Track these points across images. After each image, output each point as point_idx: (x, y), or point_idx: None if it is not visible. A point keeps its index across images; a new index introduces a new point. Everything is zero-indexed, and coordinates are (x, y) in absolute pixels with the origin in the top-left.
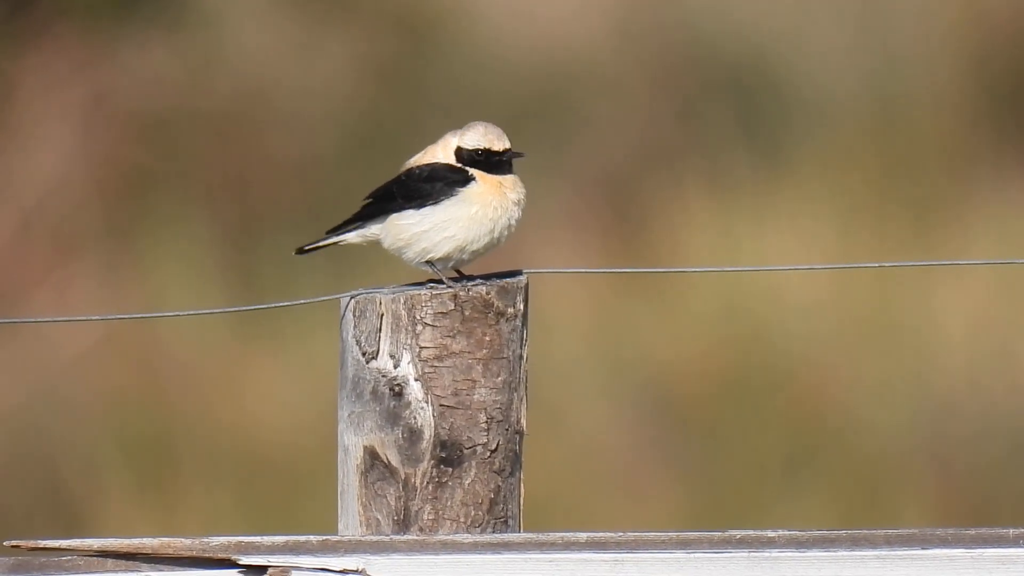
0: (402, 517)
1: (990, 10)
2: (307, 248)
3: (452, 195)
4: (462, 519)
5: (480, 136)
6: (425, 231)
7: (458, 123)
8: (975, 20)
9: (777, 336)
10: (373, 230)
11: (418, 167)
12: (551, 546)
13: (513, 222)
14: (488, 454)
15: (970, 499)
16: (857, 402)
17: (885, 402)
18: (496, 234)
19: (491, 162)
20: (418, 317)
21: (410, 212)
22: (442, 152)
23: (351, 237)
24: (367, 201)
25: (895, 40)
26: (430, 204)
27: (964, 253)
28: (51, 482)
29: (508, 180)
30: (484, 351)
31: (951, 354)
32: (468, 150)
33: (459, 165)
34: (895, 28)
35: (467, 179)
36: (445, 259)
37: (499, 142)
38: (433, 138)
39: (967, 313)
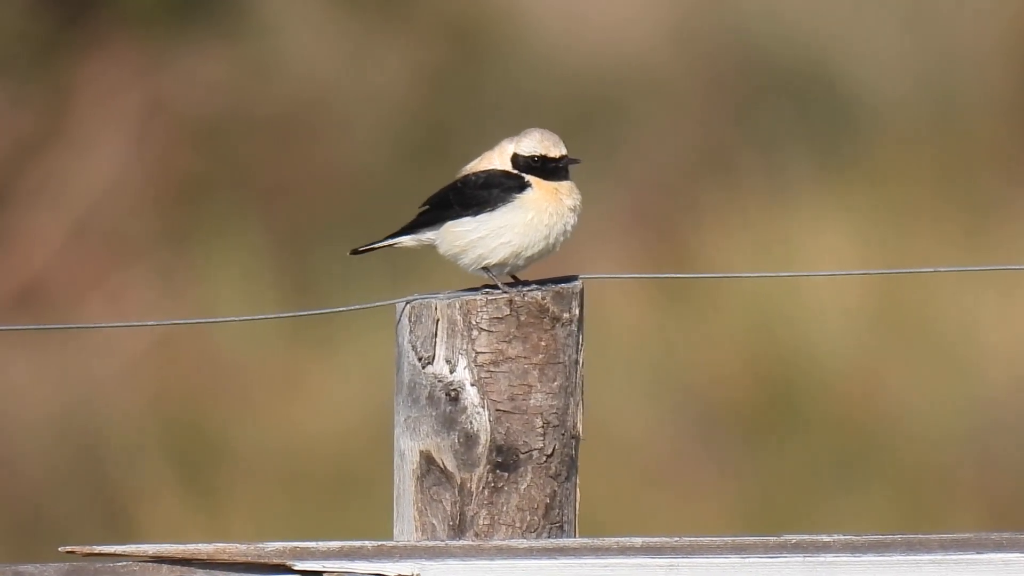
0: (457, 522)
1: None
2: (362, 249)
3: (508, 201)
4: (518, 524)
5: (536, 143)
6: (481, 237)
7: (513, 129)
8: None
9: (826, 342)
10: (429, 235)
11: (474, 174)
12: (606, 551)
13: (569, 228)
14: (544, 459)
15: (1019, 504)
16: (907, 407)
17: (933, 407)
18: (552, 240)
19: (547, 168)
20: (474, 322)
21: (467, 219)
22: (498, 159)
23: (406, 240)
24: (424, 208)
25: (949, 42)
26: (487, 211)
27: (1015, 258)
28: (103, 487)
29: (564, 186)
30: (540, 356)
31: (999, 358)
32: (524, 157)
33: (515, 172)
34: (949, 30)
35: (523, 185)
36: (501, 265)
37: (555, 148)
38: (488, 144)
39: (1014, 319)
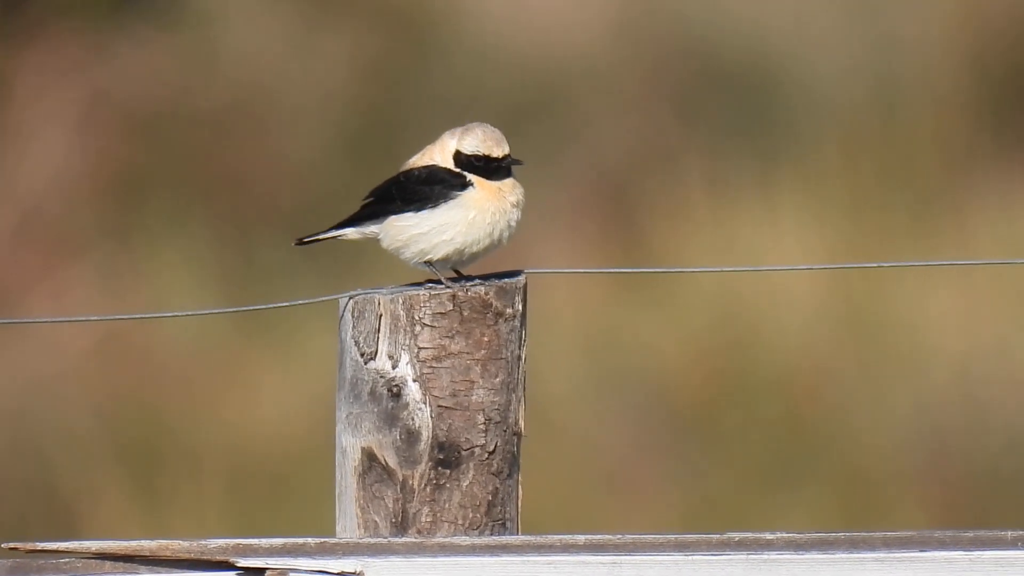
0: (400, 519)
1: (989, 5)
2: (306, 240)
3: (449, 199)
4: (460, 521)
5: (479, 142)
6: (423, 233)
7: (456, 122)
8: (974, 16)
9: (774, 337)
10: (372, 229)
11: (416, 169)
12: (549, 548)
13: (513, 223)
14: (486, 456)
15: (967, 502)
16: (855, 404)
17: (882, 404)
18: (496, 236)
19: (490, 168)
20: (416, 318)
21: (408, 215)
22: (439, 154)
23: (350, 233)
24: (367, 200)
25: (894, 36)
26: (428, 207)
27: (963, 253)
28: (47, 484)
29: (507, 184)
30: (483, 352)
31: (948, 356)
32: (467, 155)
33: (457, 170)
34: (894, 24)
35: (464, 184)
36: (444, 261)
37: (498, 148)
38: (431, 137)
39: (964, 314)
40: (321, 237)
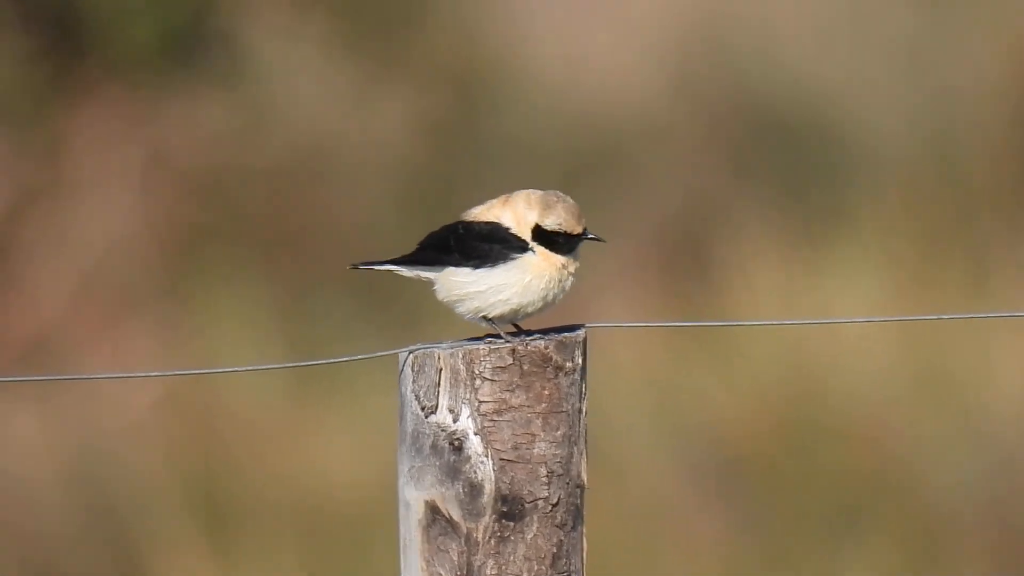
0: (465, 572)
1: None
2: (361, 265)
3: (508, 260)
4: (525, 574)
5: (562, 220)
6: (480, 291)
7: (513, 178)
8: None
9: (835, 390)
10: (428, 275)
11: (478, 223)
12: None
13: (567, 287)
14: (550, 508)
15: None
16: (916, 455)
17: (943, 455)
18: (549, 299)
19: (570, 244)
20: (477, 371)
21: (466, 270)
22: (508, 213)
23: (404, 271)
24: (424, 244)
25: (949, 88)
26: (487, 266)
27: (1021, 304)
28: (116, 541)
29: (569, 260)
30: (543, 405)
31: (1009, 407)
32: (548, 231)
33: (517, 234)
34: (949, 77)
35: (524, 248)
36: (499, 318)
37: (578, 224)
38: (488, 193)
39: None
40: (376, 267)
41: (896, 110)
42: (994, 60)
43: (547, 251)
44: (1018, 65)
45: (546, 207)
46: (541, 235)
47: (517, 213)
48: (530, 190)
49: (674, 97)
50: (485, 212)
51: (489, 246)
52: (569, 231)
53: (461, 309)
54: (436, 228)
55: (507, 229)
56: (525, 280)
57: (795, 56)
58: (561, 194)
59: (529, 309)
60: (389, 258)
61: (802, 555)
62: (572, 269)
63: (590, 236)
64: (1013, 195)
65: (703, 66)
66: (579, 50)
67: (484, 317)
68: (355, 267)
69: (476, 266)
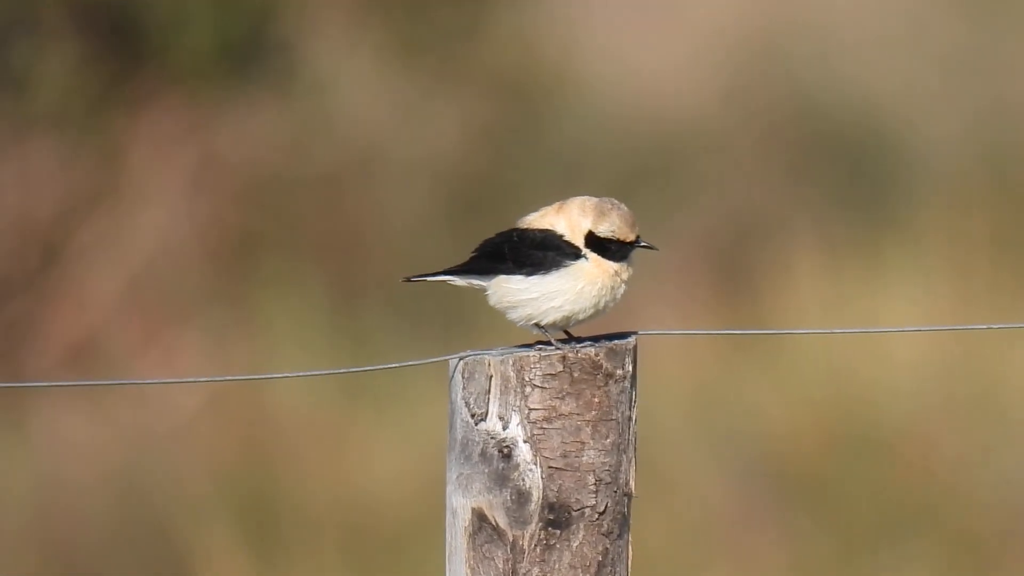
0: None
1: None
2: (414, 278)
3: (561, 267)
4: None
5: (616, 227)
6: (532, 299)
7: (566, 187)
8: None
9: (884, 399)
10: (480, 283)
11: (531, 231)
12: None
13: (619, 296)
14: (596, 516)
15: None
16: (964, 465)
17: (992, 465)
18: (601, 306)
19: (623, 251)
20: (527, 379)
21: (519, 277)
22: (562, 220)
23: (457, 280)
24: (477, 253)
25: (1004, 99)
26: (540, 273)
27: None
28: (161, 543)
29: (622, 267)
30: (593, 413)
31: None
32: (601, 238)
33: (570, 241)
34: (1004, 88)
35: (577, 255)
36: (551, 326)
37: (632, 232)
38: (542, 201)
39: None
40: (429, 278)
41: (951, 120)
42: None
43: (600, 258)
44: None
45: (600, 214)
46: (594, 242)
47: (571, 220)
48: (585, 197)
49: (729, 105)
50: (539, 219)
51: (543, 253)
52: (622, 238)
53: (513, 316)
54: (490, 235)
55: (560, 236)
56: (578, 287)
57: (851, 65)
58: (616, 201)
59: (581, 316)
60: (441, 269)
61: (849, 566)
62: (625, 276)
63: (643, 244)
64: None
65: (758, 74)
66: (635, 58)
67: (536, 324)
68: (408, 280)
69: (529, 273)
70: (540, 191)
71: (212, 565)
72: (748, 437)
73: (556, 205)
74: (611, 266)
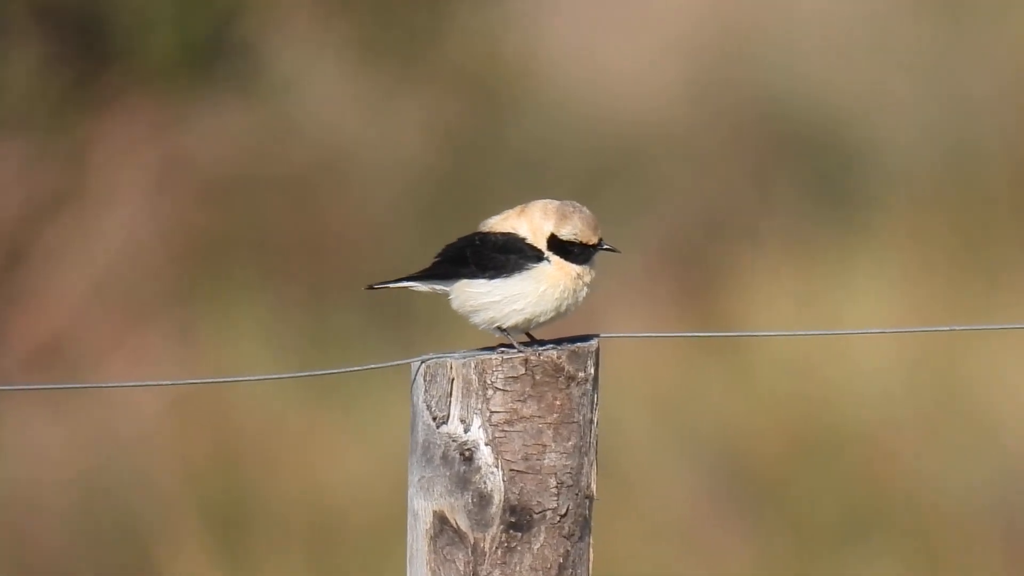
0: None
1: None
2: (376, 286)
3: (524, 269)
4: None
5: (578, 230)
6: (495, 301)
7: (531, 187)
8: None
9: (848, 399)
10: (443, 288)
11: (494, 235)
12: None
13: (580, 299)
14: (558, 519)
15: None
16: (928, 466)
17: (954, 465)
18: (563, 309)
19: (585, 254)
20: (489, 382)
21: (481, 281)
22: (524, 224)
23: (420, 286)
24: (440, 258)
25: (969, 99)
26: (502, 276)
27: None
28: (123, 547)
29: (584, 270)
30: (555, 415)
31: (1020, 420)
32: (563, 240)
33: (533, 244)
34: (969, 88)
35: (540, 258)
36: (512, 328)
37: (594, 235)
38: (507, 201)
39: None
40: (391, 285)
41: (916, 122)
42: (1013, 73)
43: (562, 261)
44: None
45: (562, 217)
46: (557, 245)
47: (533, 223)
48: (547, 200)
49: (694, 107)
50: (501, 223)
51: (505, 256)
52: (585, 241)
53: (476, 320)
54: (453, 239)
55: (523, 239)
56: (540, 290)
57: (816, 67)
58: (578, 204)
59: (542, 319)
60: (406, 274)
61: (813, 565)
62: (587, 279)
63: (605, 247)
64: None
65: (723, 75)
66: (600, 58)
67: (498, 327)
68: (371, 288)
69: (491, 276)
70: (505, 191)
71: (177, 566)
72: (711, 438)
73: (518, 208)
74: (573, 269)
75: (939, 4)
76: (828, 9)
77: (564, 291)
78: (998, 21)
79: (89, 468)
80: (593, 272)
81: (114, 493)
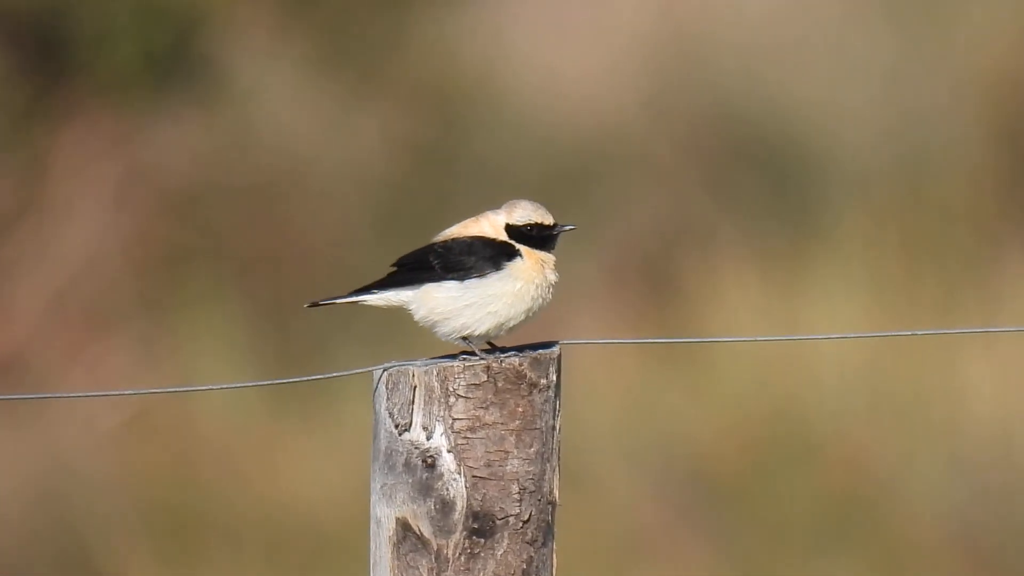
0: None
1: (1020, 76)
2: (321, 303)
3: (498, 269)
4: None
5: (530, 212)
6: (468, 305)
7: (489, 197)
8: (1005, 87)
9: (809, 406)
10: (402, 297)
11: (460, 239)
12: None
13: (547, 301)
14: (521, 525)
15: (1004, 567)
16: (888, 472)
17: (915, 471)
18: (533, 311)
19: (542, 237)
20: (451, 389)
21: (452, 284)
22: (489, 226)
23: (373, 299)
24: (396, 268)
25: (924, 108)
26: (474, 277)
27: (993, 320)
28: (79, 557)
29: (549, 259)
30: (517, 422)
31: (980, 425)
32: (518, 226)
33: (502, 240)
34: (924, 96)
35: (513, 253)
36: (484, 336)
37: (547, 217)
38: (465, 212)
39: (996, 382)
40: (339, 301)
41: (873, 129)
42: (969, 81)
43: (531, 249)
44: (992, 86)
45: (511, 207)
46: (516, 234)
47: (491, 222)
48: (493, 209)
49: (651, 115)
50: (461, 230)
51: (473, 258)
52: (540, 222)
53: (444, 329)
54: (408, 252)
55: (493, 239)
56: (515, 288)
57: (773, 74)
58: (522, 198)
59: (513, 323)
60: (351, 291)
61: (776, 572)
62: (553, 279)
63: (564, 227)
64: (986, 213)
65: (679, 81)
66: (557, 70)
67: (464, 337)
68: (314, 304)
69: (462, 278)
70: (464, 201)
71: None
72: (673, 444)
73: (473, 218)
74: (540, 255)
75: (892, 12)
76: (783, 18)
77: (538, 288)
78: (951, 29)
79: (42, 478)
80: (557, 273)
81: (70, 503)
